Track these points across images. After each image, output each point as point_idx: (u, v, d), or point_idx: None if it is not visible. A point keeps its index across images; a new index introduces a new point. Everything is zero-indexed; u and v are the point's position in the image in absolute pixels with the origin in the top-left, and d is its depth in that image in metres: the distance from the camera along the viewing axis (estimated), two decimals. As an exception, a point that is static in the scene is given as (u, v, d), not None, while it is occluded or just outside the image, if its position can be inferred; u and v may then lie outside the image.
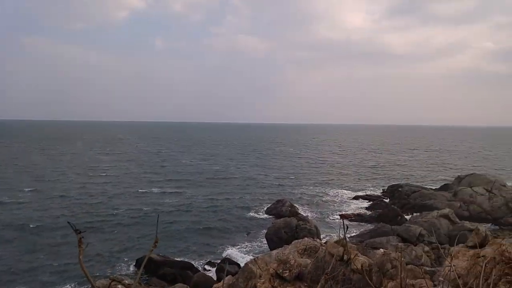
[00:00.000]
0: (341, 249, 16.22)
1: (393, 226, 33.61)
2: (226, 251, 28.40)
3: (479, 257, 12.81)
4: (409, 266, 23.36)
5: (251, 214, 38.64)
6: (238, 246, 29.40)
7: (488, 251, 12.65)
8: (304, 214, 37.07)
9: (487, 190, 40.54)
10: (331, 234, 31.06)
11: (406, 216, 37.82)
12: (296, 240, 21.05)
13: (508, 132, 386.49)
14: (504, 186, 41.14)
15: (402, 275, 14.13)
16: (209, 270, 24.71)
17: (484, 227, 13.68)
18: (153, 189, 49.52)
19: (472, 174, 46.16)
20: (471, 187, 41.90)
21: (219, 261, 25.88)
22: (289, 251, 20.41)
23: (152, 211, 38.30)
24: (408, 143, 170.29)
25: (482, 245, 13.89)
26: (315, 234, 28.46)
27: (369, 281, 7.83)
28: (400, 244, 27.72)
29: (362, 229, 34.43)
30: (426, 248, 27.40)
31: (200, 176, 60.41)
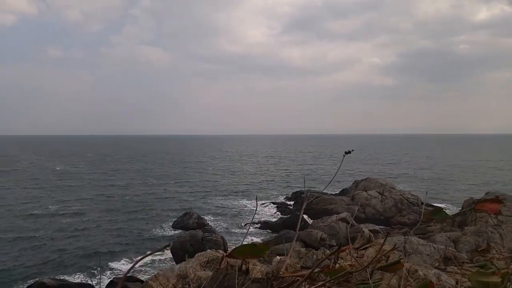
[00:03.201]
0: (239, 259, 16.15)
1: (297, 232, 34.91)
2: (127, 268, 26.70)
3: (363, 258, 13.75)
4: (309, 271, 24.28)
5: (157, 228, 37.06)
6: (142, 263, 27.83)
7: (370, 251, 13.61)
8: (212, 226, 36.68)
9: (379, 193, 44.42)
10: (237, 244, 31.18)
11: (309, 221, 39.65)
12: (199, 253, 20.54)
13: (400, 139, 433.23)
14: (393, 188, 45.52)
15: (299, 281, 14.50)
16: (109, 291, 22.91)
17: (367, 230, 14.67)
18: (50, 206, 45.11)
19: (366, 178, 50.26)
20: (366, 191, 45.53)
21: (120, 279, 24.16)
22: (192, 265, 19.82)
23: (44, 234, 34.59)
24: (313, 151, 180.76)
25: (367, 246, 14.97)
26: (221, 245, 28.23)
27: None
28: (302, 249, 28.83)
29: (268, 236, 35.17)
30: (327, 252, 28.91)
31: (103, 193, 56.40)
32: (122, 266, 27.22)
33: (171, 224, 38.09)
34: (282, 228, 37.14)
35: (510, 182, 72.11)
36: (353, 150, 1.74)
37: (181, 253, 26.40)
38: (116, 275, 24.90)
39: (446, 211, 1.91)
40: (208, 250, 20.58)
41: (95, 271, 25.93)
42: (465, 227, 28.51)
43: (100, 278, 25.14)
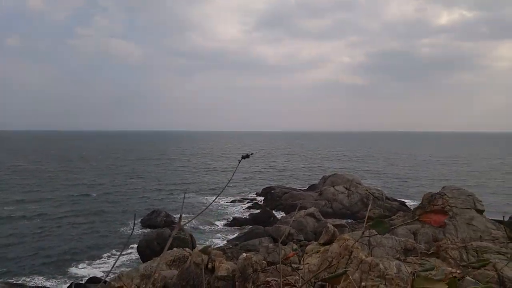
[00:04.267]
0: (205, 257, 16.07)
1: (265, 227, 35.18)
2: (92, 269, 25.97)
3: (328, 252, 14.00)
4: (277, 265, 24.53)
5: (124, 227, 36.23)
6: (106, 263, 27.16)
7: (335, 246, 13.87)
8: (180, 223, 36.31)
9: (346, 188, 45.35)
10: (206, 242, 30.99)
11: (278, 217, 40.02)
12: (165, 251, 20.29)
13: (369, 137, 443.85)
14: (360, 184, 46.56)
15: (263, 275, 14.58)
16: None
17: (331, 225, 14.95)
18: (5, 208, 42.91)
19: (334, 174, 51.16)
20: (333, 186, 46.35)
21: (83, 282, 23.46)
22: (158, 264, 19.56)
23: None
24: (284, 148, 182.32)
25: (331, 241, 15.21)
26: (190, 243, 27.98)
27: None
28: (270, 244, 29.04)
29: (238, 233, 35.21)
30: (295, 246, 29.29)
31: (64, 192, 54.38)
32: (84, 268, 26.36)
33: (138, 221, 37.35)
34: (252, 223, 37.33)
35: (465, 176, 75.63)
36: (252, 154, 1.66)
37: (148, 252, 25.98)
38: (77, 279, 24.11)
39: (388, 220, 1.90)
40: (175, 249, 20.37)
41: (55, 274, 24.99)
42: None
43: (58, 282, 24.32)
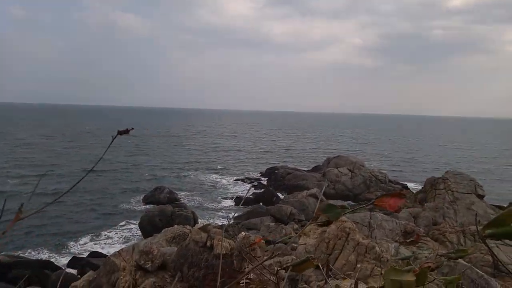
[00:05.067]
0: (204, 235, 16.23)
1: (268, 207, 35.40)
2: (94, 244, 26.45)
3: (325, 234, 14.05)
4: (278, 245, 24.81)
5: (125, 203, 36.57)
6: (108, 239, 27.61)
7: (332, 228, 13.91)
8: (183, 201, 36.63)
9: (350, 170, 45.30)
10: (209, 220, 31.32)
11: (281, 197, 40.22)
12: (166, 229, 20.54)
13: (377, 119, 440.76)
14: (363, 166, 46.48)
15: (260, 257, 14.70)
16: (73, 267, 22.68)
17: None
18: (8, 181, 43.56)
19: (338, 156, 51.06)
20: (337, 168, 46.32)
21: (85, 256, 23.95)
22: (158, 240, 19.82)
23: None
24: (292, 129, 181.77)
25: (329, 222, 15.29)
26: (192, 220, 28.31)
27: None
28: (272, 223, 29.28)
29: (241, 211, 35.50)
30: (296, 226, 29.51)
31: (72, 166, 55.04)
32: (85, 244, 26.78)
33: (141, 198, 37.76)
34: (255, 203, 37.59)
35: (471, 161, 75.21)
36: (132, 129, 1.41)
37: (149, 228, 26.33)
38: (79, 253, 24.57)
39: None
40: (176, 226, 20.60)
41: (58, 248, 25.47)
42: (425, 203, 29.67)
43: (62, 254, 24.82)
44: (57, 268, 21.73)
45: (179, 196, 37.92)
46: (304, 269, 1.91)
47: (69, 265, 22.76)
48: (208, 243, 16.09)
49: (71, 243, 26.56)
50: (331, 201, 36.19)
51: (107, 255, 17.69)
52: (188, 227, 20.49)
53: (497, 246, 20.58)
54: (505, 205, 35.16)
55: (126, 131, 1.45)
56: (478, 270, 15.47)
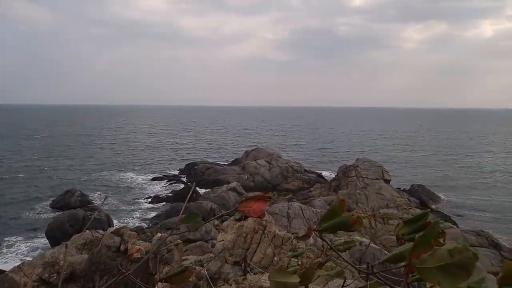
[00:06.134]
0: (117, 239, 15.31)
1: (187, 204, 34.77)
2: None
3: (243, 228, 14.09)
4: (198, 243, 24.43)
5: (31, 211, 33.06)
6: (9, 253, 24.74)
7: (249, 222, 13.99)
8: (97, 204, 34.28)
9: (267, 162, 46.37)
10: (125, 222, 29.77)
11: (201, 192, 39.71)
12: (76, 235, 19.06)
13: (293, 112, 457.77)
14: (280, 157, 47.91)
15: (177, 259, 14.29)
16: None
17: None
18: None
19: (256, 148, 52.01)
20: (255, 160, 47.11)
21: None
22: (67, 249, 18.27)
23: None
24: (213, 122, 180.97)
25: (246, 216, 15.40)
26: (106, 223, 26.66)
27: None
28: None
29: (159, 211, 34.35)
30: (216, 222, 29.38)
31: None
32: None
33: (48, 204, 34.50)
34: (174, 201, 36.66)
35: (378, 149, 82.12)
36: None
37: (58, 236, 24.19)
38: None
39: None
40: (87, 231, 19.19)
41: None
42: (339, 191, 31.60)
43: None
44: None
45: (92, 199, 35.38)
46: (182, 281, 1.71)
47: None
48: (122, 247, 15.20)
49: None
50: (250, 194, 36.76)
51: (6, 272, 15.84)
52: (100, 231, 19.21)
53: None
54: (408, 188, 38.95)
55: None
56: (386, 252, 16.79)
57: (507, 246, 23.05)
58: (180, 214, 1.65)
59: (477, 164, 60.76)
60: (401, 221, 1.54)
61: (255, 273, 11.27)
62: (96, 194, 38.64)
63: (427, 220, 1.43)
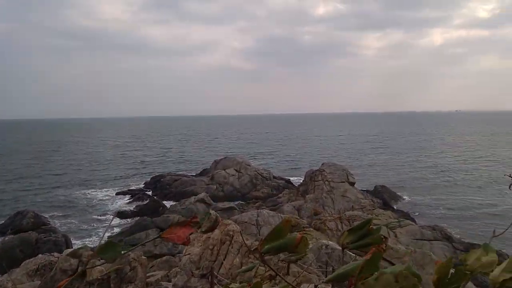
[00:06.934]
0: (75, 261, 14.14)
1: (153, 218, 33.42)
2: None
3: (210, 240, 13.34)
4: (165, 258, 23.28)
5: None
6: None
7: (216, 233, 13.25)
8: (53, 224, 32.11)
9: (236, 170, 45.77)
10: (86, 242, 28.06)
11: (168, 206, 38.41)
12: (27, 260, 17.56)
13: (261, 120, 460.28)
14: (249, 165, 47.45)
15: (140, 276, 13.33)
16: None
17: (213, 211, 14.29)
18: None
19: (225, 157, 51.29)
20: (224, 170, 46.37)
21: None
22: (16, 276, 16.75)
23: None
24: (180, 134, 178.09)
25: (213, 228, 14.65)
26: (64, 245, 24.98)
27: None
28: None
29: (123, 227, 32.78)
30: (184, 234, 28.38)
31: None
32: None
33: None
34: (139, 215, 35.21)
35: (343, 152, 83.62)
36: None
37: (7, 262, 22.21)
38: None
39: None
40: (40, 255, 17.76)
41: None
42: (307, 195, 31.43)
43: None
44: None
45: (47, 220, 33.02)
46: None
47: None
48: (80, 269, 14.03)
49: None
50: (219, 204, 35.96)
51: None
52: (56, 254, 17.80)
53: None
54: (371, 189, 39.54)
55: None
56: (351, 253, 16.48)
57: (459, 238, 25.48)
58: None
59: (434, 164, 63.56)
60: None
61: (222, 285, 10.59)
62: (52, 214, 36.35)
63: (370, 227, 1.43)
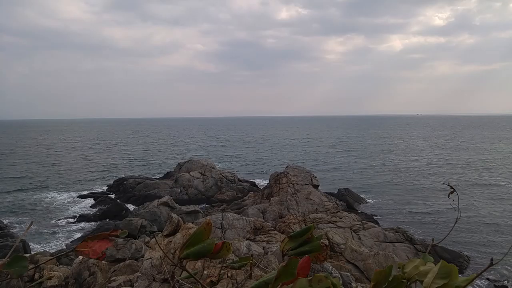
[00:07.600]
0: (31, 267, 13.86)
1: (116, 222, 32.91)
2: None
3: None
4: (128, 262, 23.02)
5: None
6: None
7: (178, 237, 13.43)
8: (10, 229, 30.93)
9: (201, 173, 45.67)
10: (45, 247, 27.22)
11: (131, 209, 37.85)
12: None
13: (225, 122, 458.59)
14: (214, 168, 47.47)
15: (101, 282, 13.29)
16: None
17: (175, 215, 14.45)
18: None
19: (189, 160, 50.99)
20: (189, 173, 46.16)
21: None
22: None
23: None
24: (143, 136, 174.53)
25: (175, 231, 14.77)
26: (21, 251, 24.15)
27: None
28: (120, 239, 27.18)
29: (85, 231, 32.04)
30: (147, 239, 28.05)
31: None
32: None
33: None
34: (102, 219, 34.59)
35: (308, 156, 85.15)
36: None
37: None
38: None
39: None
40: (-6, 262, 17.13)
41: None
42: (272, 198, 31.95)
43: None
44: None
45: (4, 224, 31.83)
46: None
47: None
48: (37, 276, 13.80)
49: None
50: (184, 207, 35.81)
51: None
52: (11, 260, 17.26)
53: (331, 229, 23.34)
54: (335, 192, 40.53)
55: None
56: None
57: (421, 240, 25.93)
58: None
59: (397, 168, 65.40)
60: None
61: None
62: (10, 218, 34.98)
63: (311, 234, 1.43)
